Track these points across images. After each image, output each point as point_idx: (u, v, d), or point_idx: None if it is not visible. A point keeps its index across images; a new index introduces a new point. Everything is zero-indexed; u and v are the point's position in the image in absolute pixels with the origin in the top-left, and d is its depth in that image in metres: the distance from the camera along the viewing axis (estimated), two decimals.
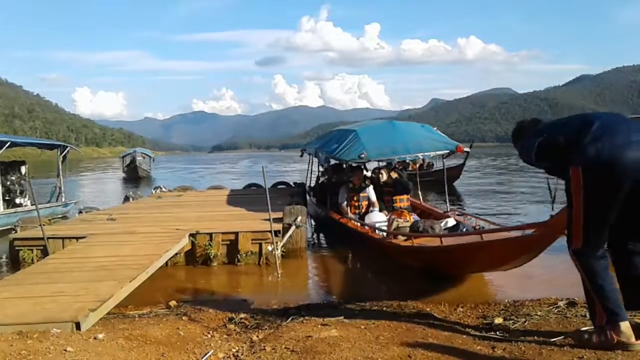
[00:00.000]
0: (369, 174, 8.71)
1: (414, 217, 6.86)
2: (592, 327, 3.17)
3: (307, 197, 11.41)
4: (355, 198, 7.93)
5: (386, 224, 6.87)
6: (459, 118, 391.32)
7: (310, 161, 11.97)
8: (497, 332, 3.47)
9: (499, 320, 3.78)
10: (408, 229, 6.35)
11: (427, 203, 9.28)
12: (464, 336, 3.46)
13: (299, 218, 7.00)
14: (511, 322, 3.74)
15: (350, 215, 7.81)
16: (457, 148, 8.01)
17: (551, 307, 4.13)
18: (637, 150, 2.91)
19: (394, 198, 7.98)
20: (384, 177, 8.14)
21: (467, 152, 10.04)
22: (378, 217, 7.49)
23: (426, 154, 8.41)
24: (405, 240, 5.92)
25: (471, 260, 5.11)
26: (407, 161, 18.04)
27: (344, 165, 8.40)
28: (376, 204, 7.92)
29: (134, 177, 31.44)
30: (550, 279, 5.90)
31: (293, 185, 14.62)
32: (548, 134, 3.25)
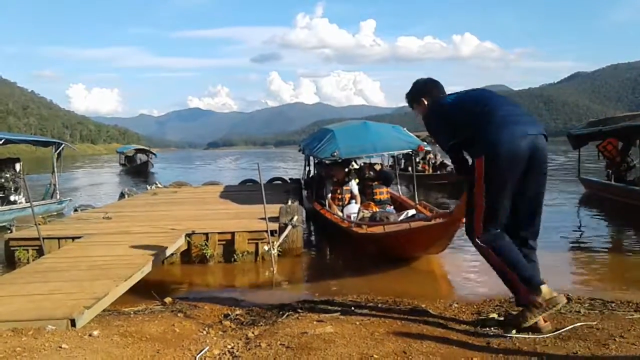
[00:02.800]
0: (356, 166, 9.50)
1: (388, 210, 7.93)
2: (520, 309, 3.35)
3: (303, 192, 11.48)
4: (338, 191, 8.52)
5: (361, 216, 7.67)
6: None
7: (306, 157, 12.05)
8: (492, 328, 3.49)
9: (493, 316, 3.79)
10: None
11: (405, 196, 10.08)
12: (459, 332, 3.47)
13: (295, 217, 6.99)
14: (506, 317, 3.76)
15: (333, 207, 8.34)
16: (418, 147, 8.65)
17: None
18: (532, 140, 3.19)
19: (374, 191, 8.71)
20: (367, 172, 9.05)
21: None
22: (353, 209, 8.16)
23: (395, 152, 9.46)
24: (362, 228, 6.83)
25: (402, 244, 6.11)
26: (418, 160, 17.66)
27: (327, 161, 8.91)
28: (357, 197, 8.58)
29: (135, 171, 32.14)
30: (544, 275, 5.93)
31: (289, 181, 14.63)
32: (457, 133, 3.42)
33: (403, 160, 18.37)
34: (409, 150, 8.89)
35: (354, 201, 8.46)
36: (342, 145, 8.35)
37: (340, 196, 8.44)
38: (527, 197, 3.31)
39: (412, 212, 7.51)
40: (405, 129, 9.68)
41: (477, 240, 3.33)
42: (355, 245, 7.05)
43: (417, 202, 8.60)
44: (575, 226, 10.02)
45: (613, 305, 4.06)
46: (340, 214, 7.96)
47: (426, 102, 3.75)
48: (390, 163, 16.98)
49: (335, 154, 8.11)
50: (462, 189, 3.58)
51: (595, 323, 3.48)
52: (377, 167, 9.48)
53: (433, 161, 18.64)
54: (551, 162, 32.46)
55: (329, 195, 8.61)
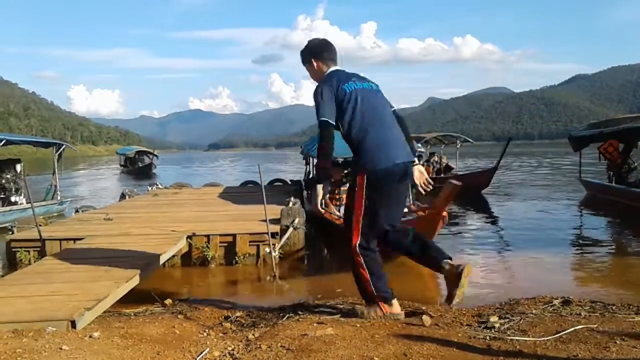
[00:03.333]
0: None
1: None
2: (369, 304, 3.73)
3: (304, 194, 11.48)
4: (336, 192, 8.72)
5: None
6: (455, 117, 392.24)
7: (306, 158, 12.07)
8: (493, 331, 3.48)
9: (494, 319, 3.79)
10: None
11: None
12: (460, 334, 3.47)
13: (297, 220, 6.98)
14: (507, 320, 3.76)
15: (331, 206, 8.49)
16: None
17: (546, 306, 4.15)
18: (403, 157, 3.56)
19: None
20: None
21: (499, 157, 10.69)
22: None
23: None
24: None
25: None
26: (422, 163, 17.47)
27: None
28: None
29: (138, 172, 32.48)
30: (545, 277, 5.94)
31: (289, 183, 14.61)
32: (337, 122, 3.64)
33: None
34: None
35: None
36: (336, 145, 8.41)
37: (338, 196, 8.68)
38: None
39: (420, 214, 7.49)
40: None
41: (353, 245, 3.58)
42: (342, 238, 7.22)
43: (411, 202, 8.60)
44: (576, 228, 10.02)
45: (614, 307, 4.05)
46: (338, 213, 8.15)
47: (315, 65, 3.87)
48: None
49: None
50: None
51: (596, 326, 3.48)
52: None
53: (437, 164, 17.71)
54: (551, 164, 32.46)
55: (327, 195, 8.73)
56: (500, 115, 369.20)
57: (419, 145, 9.36)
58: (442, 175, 16.96)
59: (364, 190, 3.52)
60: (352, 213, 3.58)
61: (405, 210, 7.67)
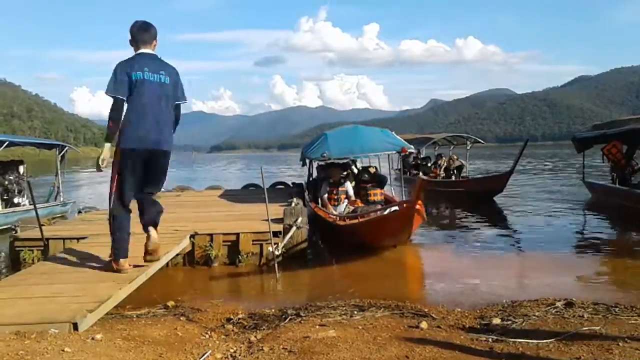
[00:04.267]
0: (355, 170, 10.08)
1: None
2: None
3: (306, 196, 11.46)
4: (334, 192, 9.01)
5: (346, 211, 8.63)
6: (457, 118, 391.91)
7: (305, 160, 12.05)
8: (495, 333, 3.48)
9: (496, 321, 3.79)
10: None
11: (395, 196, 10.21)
12: (462, 337, 3.46)
13: (300, 219, 6.99)
14: (509, 322, 3.75)
15: (329, 206, 8.85)
16: (402, 149, 9.04)
17: (549, 308, 4.15)
18: (155, 134, 4.40)
19: (368, 192, 9.18)
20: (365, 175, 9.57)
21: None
22: (342, 208, 8.89)
23: (380, 152, 9.67)
24: (344, 220, 7.66)
25: (369, 233, 6.98)
26: (429, 165, 17.04)
27: (322, 163, 9.92)
28: (352, 197, 9.08)
29: None
30: (547, 279, 5.92)
31: (291, 186, 14.58)
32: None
33: (412, 164, 17.83)
34: (393, 152, 9.41)
35: (347, 201, 8.98)
36: (333, 146, 9.13)
37: (336, 197, 8.98)
38: (148, 180, 4.58)
39: (395, 208, 7.61)
40: (393, 132, 10.19)
41: (110, 205, 4.51)
42: (339, 237, 7.73)
43: (404, 200, 8.76)
44: (579, 229, 9.99)
45: (617, 310, 4.05)
46: (335, 212, 8.49)
47: (133, 48, 4.52)
48: (397, 167, 16.48)
49: (325, 154, 8.95)
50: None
51: (598, 328, 3.47)
52: (372, 170, 9.91)
53: (447, 163, 16.44)
54: (555, 166, 32.41)
55: (325, 195, 9.07)
56: (503, 117, 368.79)
57: (411, 146, 9.51)
58: (455, 177, 16.13)
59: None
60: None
61: (396, 208, 7.81)
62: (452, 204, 13.65)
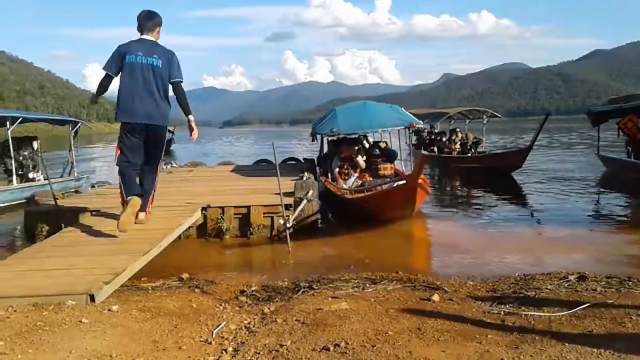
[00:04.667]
0: (367, 145, 9.98)
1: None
2: None
3: (317, 171, 11.48)
4: (345, 166, 9.19)
5: (355, 185, 8.82)
6: (470, 93, 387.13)
7: (321, 137, 12.02)
8: (507, 306, 3.48)
9: (508, 294, 3.79)
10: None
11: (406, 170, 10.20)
12: (474, 309, 3.48)
13: (310, 192, 7.01)
14: (521, 295, 3.75)
15: (339, 180, 9.04)
16: (410, 124, 9.12)
17: (561, 281, 4.14)
18: (147, 105, 4.98)
19: (379, 167, 9.25)
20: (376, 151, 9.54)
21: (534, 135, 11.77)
22: (352, 181, 9.08)
23: (388, 128, 9.80)
24: (352, 194, 7.95)
25: (373, 206, 7.19)
26: (444, 140, 16.61)
27: (334, 138, 10.06)
28: (362, 169, 9.20)
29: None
30: (561, 253, 5.90)
31: (303, 161, 14.57)
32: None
33: (427, 139, 17.61)
34: (402, 127, 9.46)
35: (356, 175, 9.15)
36: (342, 122, 9.30)
37: (347, 171, 9.17)
38: (147, 154, 5.25)
39: (401, 182, 7.61)
40: (402, 108, 10.20)
41: (115, 162, 5.19)
42: (347, 210, 7.92)
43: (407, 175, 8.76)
44: (593, 203, 9.92)
45: (630, 283, 4.03)
46: (345, 186, 8.67)
47: (139, 33, 5.15)
48: (412, 142, 16.14)
49: (334, 129, 9.16)
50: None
51: (611, 301, 3.46)
52: (382, 145, 9.92)
53: (463, 140, 15.84)
54: (569, 140, 32.04)
55: (336, 169, 9.21)
56: (516, 91, 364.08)
57: (420, 122, 9.53)
58: (472, 153, 15.56)
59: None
60: None
61: (404, 182, 7.83)
62: (468, 180, 13.49)
